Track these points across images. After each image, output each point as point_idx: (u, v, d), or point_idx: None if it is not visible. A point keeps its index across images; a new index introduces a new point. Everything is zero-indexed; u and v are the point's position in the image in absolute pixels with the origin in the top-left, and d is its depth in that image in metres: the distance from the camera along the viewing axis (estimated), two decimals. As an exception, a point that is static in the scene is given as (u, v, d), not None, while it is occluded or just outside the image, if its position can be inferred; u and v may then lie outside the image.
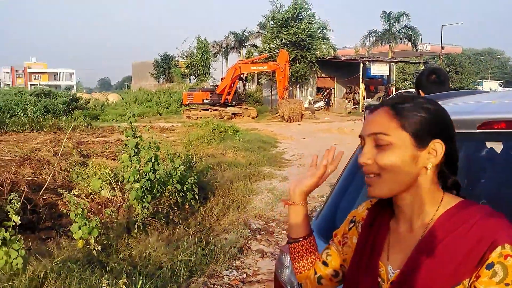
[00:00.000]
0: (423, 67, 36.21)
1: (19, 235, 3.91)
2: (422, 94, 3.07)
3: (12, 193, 4.29)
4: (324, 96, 34.36)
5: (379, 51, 40.51)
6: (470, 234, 0.96)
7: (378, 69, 33.17)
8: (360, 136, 1.10)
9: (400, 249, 1.08)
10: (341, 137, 16.73)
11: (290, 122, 24.13)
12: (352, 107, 32.44)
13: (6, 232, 3.79)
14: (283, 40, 32.03)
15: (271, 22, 33.64)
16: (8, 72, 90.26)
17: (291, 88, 30.74)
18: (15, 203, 4.04)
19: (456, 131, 1.08)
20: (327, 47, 33.56)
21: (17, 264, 3.74)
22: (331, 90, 35.10)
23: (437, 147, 1.03)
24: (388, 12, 39.68)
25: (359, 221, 1.23)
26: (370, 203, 1.23)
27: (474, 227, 0.97)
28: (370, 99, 31.25)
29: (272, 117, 27.22)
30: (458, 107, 2.11)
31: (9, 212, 3.92)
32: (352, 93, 33.71)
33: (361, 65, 31.47)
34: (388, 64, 34.18)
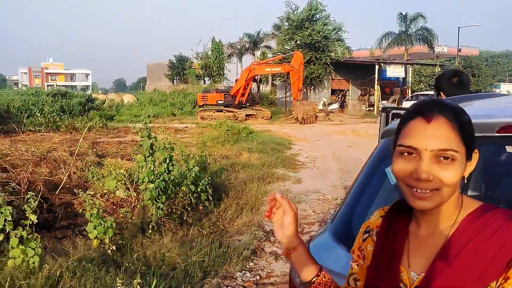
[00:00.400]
0: (439, 69, 35.84)
1: (36, 234, 3.96)
2: (443, 97, 3.03)
3: (29, 192, 4.35)
4: (338, 98, 34.20)
5: (395, 53, 40.18)
6: (495, 237, 0.95)
7: (394, 71, 32.89)
8: (409, 146, 1.01)
9: (422, 253, 1.06)
10: (355, 140, 16.63)
11: (304, 124, 24.06)
12: (367, 109, 32.20)
13: (23, 230, 3.85)
14: (298, 42, 31.98)
15: (286, 23, 33.62)
16: (26, 73, 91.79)
17: (305, 90, 30.66)
18: (32, 202, 4.09)
19: (476, 134, 1.06)
20: (342, 48, 33.44)
21: (33, 263, 3.79)
22: (345, 92, 34.92)
23: (475, 157, 1.04)
24: (404, 14, 39.35)
25: (373, 230, 1.21)
26: (383, 210, 1.21)
27: (499, 231, 0.95)
28: (385, 101, 31.00)
29: (286, 119, 27.18)
30: (478, 111, 2.07)
31: (26, 211, 3.98)
32: (367, 95, 33.48)
33: (376, 67, 31.25)
34: (404, 66, 33.89)
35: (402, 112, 3.10)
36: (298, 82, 25.62)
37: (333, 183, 9.14)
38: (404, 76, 34.27)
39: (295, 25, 31.68)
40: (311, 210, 7.07)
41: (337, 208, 2.60)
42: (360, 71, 32.78)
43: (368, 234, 1.21)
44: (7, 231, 3.89)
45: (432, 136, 0.98)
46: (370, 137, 15.75)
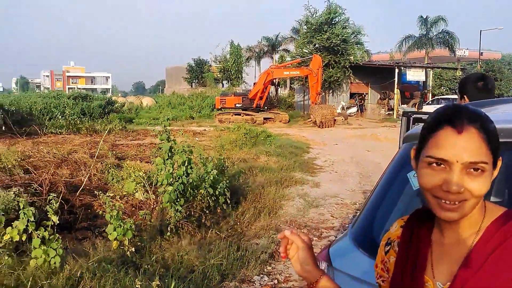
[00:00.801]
0: (460, 73, 35.30)
1: (57, 235, 4.02)
2: (467, 101, 2.97)
3: (51, 194, 4.42)
4: (357, 101, 33.98)
5: (415, 56, 39.74)
6: None
7: (414, 75, 32.48)
8: (440, 159, 0.98)
9: (446, 262, 1.04)
10: (374, 144, 16.48)
11: (322, 127, 23.95)
12: (386, 113, 31.87)
13: (45, 231, 3.91)
14: (316, 45, 31.90)
15: (305, 27, 33.57)
16: (48, 76, 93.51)
17: (323, 94, 30.53)
18: (54, 204, 4.16)
19: (500, 140, 1.04)
20: (361, 52, 33.21)
21: (55, 263, 3.84)
22: (364, 95, 34.67)
23: (499, 164, 1.02)
24: (424, 17, 38.93)
25: (394, 241, 1.19)
26: (402, 220, 1.19)
27: None
28: (405, 105, 30.66)
29: (304, 123, 27.11)
30: (502, 116, 2.03)
31: (48, 212, 4.04)
32: (387, 99, 33.14)
33: (396, 70, 30.92)
34: (424, 70, 33.48)
35: (423, 116, 3.06)
36: (317, 85, 25.55)
37: (351, 187, 9.07)
38: (424, 80, 33.85)
39: (313, 29, 31.60)
40: (330, 214, 7.02)
41: (358, 213, 2.58)
42: (379, 75, 32.49)
43: (389, 246, 1.19)
44: (30, 232, 3.96)
45: (464, 149, 0.96)
46: (389, 142, 15.60)
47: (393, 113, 30.60)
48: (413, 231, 1.13)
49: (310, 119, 26.28)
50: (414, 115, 3.07)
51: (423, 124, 1.08)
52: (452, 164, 0.96)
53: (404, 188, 2.17)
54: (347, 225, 6.35)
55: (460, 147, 0.96)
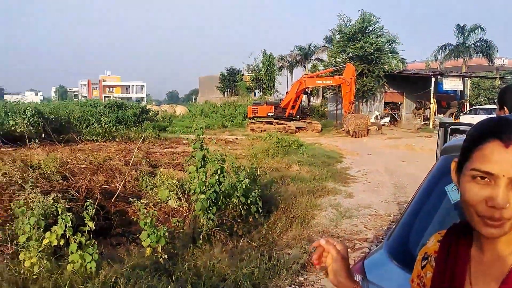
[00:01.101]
0: (499, 82, 34.22)
1: (93, 240, 4.11)
2: (507, 112, 2.88)
3: (88, 200, 4.53)
4: (391, 111, 33.42)
5: (452, 65, 38.77)
6: None
7: (451, 84, 31.67)
8: (486, 172, 0.95)
9: (486, 279, 1.00)
10: (409, 154, 16.14)
11: (355, 137, 23.67)
12: (422, 123, 31.18)
13: (82, 236, 4.01)
14: (350, 54, 31.67)
15: (338, 36, 33.39)
16: (85, 85, 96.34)
17: (357, 103, 30.21)
18: (91, 210, 4.26)
19: None
20: (396, 61, 32.75)
21: (91, 268, 3.93)
22: (399, 105, 34.07)
23: None
24: (462, 25, 38.02)
25: (431, 255, 1.15)
26: (440, 235, 1.16)
27: None
28: (441, 115, 29.90)
29: (337, 132, 26.87)
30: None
31: (85, 217, 4.14)
32: (422, 109, 32.44)
33: (433, 79, 30.24)
34: (461, 79, 32.59)
35: (461, 127, 2.98)
36: (350, 94, 25.32)
37: (385, 198, 8.89)
38: (461, 89, 32.93)
39: (347, 38, 31.40)
40: (363, 225, 6.90)
41: (393, 225, 2.52)
42: (415, 84, 31.88)
43: (426, 260, 1.16)
44: (67, 237, 4.07)
45: (511, 163, 0.93)
46: (425, 152, 15.24)
47: (429, 123, 29.93)
48: (451, 246, 1.10)
49: (343, 129, 26.03)
50: (452, 126, 3.00)
51: (463, 136, 1.05)
52: (498, 178, 0.93)
53: (442, 201, 2.13)
54: (381, 237, 6.22)
55: (507, 161, 0.92)
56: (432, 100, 30.27)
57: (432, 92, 30.11)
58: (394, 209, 7.99)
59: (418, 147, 18.07)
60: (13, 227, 4.43)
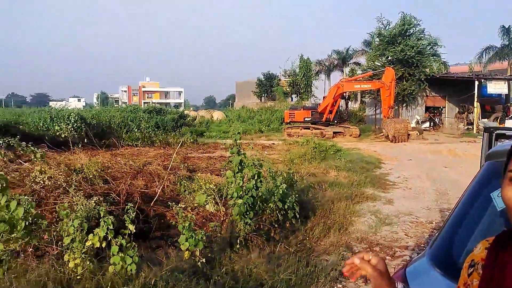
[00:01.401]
0: (548, 85, 32.67)
1: (134, 243, 4.20)
2: None
3: (128, 203, 4.64)
4: (433, 115, 32.53)
5: (496, 68, 37.38)
6: None
7: (496, 87, 30.47)
8: None
9: None
10: (452, 160, 15.64)
11: (395, 142, 23.17)
12: (465, 127, 30.17)
13: (122, 239, 4.10)
14: (389, 58, 31.09)
15: (377, 39, 32.85)
16: (125, 91, 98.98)
17: (396, 107, 29.60)
18: (131, 213, 4.36)
19: None
20: (437, 64, 31.84)
21: (131, 270, 4.01)
22: (441, 109, 33.14)
23: None
24: (507, 27, 36.63)
25: (478, 263, 1.12)
26: (487, 242, 1.13)
27: None
28: (486, 120, 28.81)
29: (375, 137, 26.41)
30: None
31: (126, 220, 4.24)
32: (466, 113, 31.40)
33: (476, 82, 29.21)
34: (506, 82, 31.31)
35: (507, 132, 2.86)
36: (389, 99, 24.87)
37: (427, 205, 8.64)
38: (507, 93, 31.63)
39: (386, 41, 30.86)
40: (403, 233, 6.73)
41: (435, 233, 2.45)
42: (457, 88, 30.91)
43: (473, 268, 1.13)
44: (109, 239, 4.17)
45: None
46: (469, 158, 14.73)
47: (473, 128, 28.93)
48: (499, 253, 1.07)
49: (382, 134, 25.56)
50: (497, 131, 2.89)
51: (509, 141, 1.02)
52: None
53: (487, 208, 2.07)
54: (422, 245, 6.05)
55: None
56: (476, 104, 29.23)
57: (475, 95, 29.08)
58: (436, 216, 7.75)
59: (462, 152, 17.49)
60: (58, 229, 4.60)
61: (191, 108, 70.11)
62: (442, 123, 32.38)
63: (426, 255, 2.18)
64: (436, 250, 2.18)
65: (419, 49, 29.64)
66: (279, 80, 50.30)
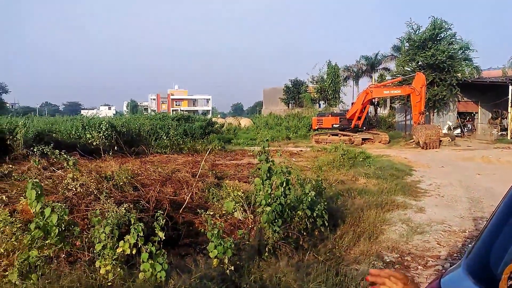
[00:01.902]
0: None
1: (163, 250, 4.23)
2: None
3: (158, 211, 4.68)
4: (466, 121, 31.73)
5: (531, 72, 36.19)
6: None
7: (530, 92, 29.52)
8: None
9: None
10: (486, 167, 15.18)
11: (426, 149, 22.69)
12: (499, 133, 29.31)
13: (152, 246, 4.13)
14: (420, 63, 30.57)
15: (407, 44, 32.37)
16: (154, 99, 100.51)
17: (427, 113, 29.02)
18: (161, 220, 4.39)
19: None
20: (469, 68, 31.07)
21: (161, 277, 4.04)
22: (474, 115, 32.31)
23: None
24: (543, 28, 35.49)
25: None
26: None
27: None
28: (520, 125, 27.93)
29: (405, 143, 25.94)
30: None
31: (155, 228, 4.27)
32: (499, 118, 30.51)
33: (510, 87, 28.38)
34: (542, 86, 30.31)
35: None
36: (420, 104, 24.42)
37: (460, 213, 8.40)
38: (542, 97, 30.61)
39: (416, 46, 30.36)
40: (436, 242, 6.54)
41: (471, 242, 2.37)
42: (490, 92, 30.10)
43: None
44: (139, 246, 4.22)
45: None
46: (503, 164, 14.28)
47: (507, 134, 28.06)
48: None
49: (412, 140, 25.08)
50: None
51: None
52: None
53: (527, 216, 1.97)
54: (455, 254, 5.87)
55: None
56: (510, 109, 28.37)
57: (509, 100, 28.23)
58: (470, 225, 7.52)
59: (496, 158, 16.96)
60: (89, 236, 4.68)
61: (219, 115, 70.68)
62: (475, 129, 31.54)
63: (462, 266, 2.11)
64: (473, 260, 2.10)
65: (450, 53, 29.04)
66: (307, 86, 50.14)
